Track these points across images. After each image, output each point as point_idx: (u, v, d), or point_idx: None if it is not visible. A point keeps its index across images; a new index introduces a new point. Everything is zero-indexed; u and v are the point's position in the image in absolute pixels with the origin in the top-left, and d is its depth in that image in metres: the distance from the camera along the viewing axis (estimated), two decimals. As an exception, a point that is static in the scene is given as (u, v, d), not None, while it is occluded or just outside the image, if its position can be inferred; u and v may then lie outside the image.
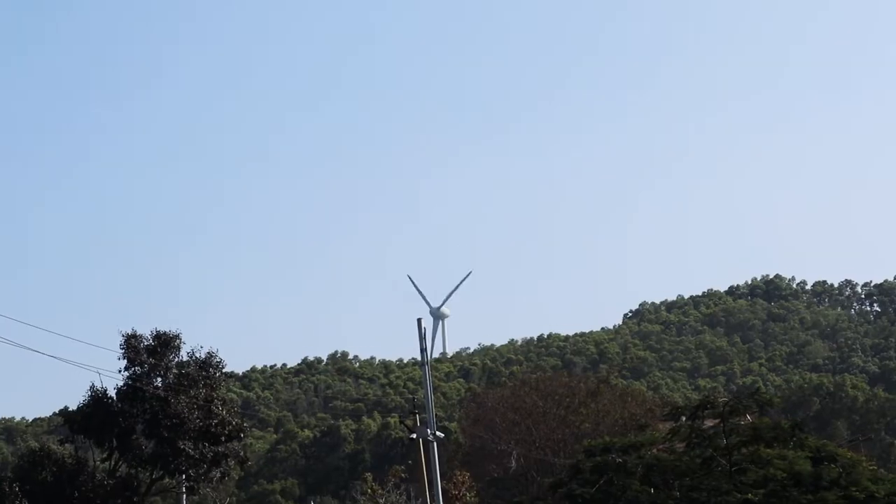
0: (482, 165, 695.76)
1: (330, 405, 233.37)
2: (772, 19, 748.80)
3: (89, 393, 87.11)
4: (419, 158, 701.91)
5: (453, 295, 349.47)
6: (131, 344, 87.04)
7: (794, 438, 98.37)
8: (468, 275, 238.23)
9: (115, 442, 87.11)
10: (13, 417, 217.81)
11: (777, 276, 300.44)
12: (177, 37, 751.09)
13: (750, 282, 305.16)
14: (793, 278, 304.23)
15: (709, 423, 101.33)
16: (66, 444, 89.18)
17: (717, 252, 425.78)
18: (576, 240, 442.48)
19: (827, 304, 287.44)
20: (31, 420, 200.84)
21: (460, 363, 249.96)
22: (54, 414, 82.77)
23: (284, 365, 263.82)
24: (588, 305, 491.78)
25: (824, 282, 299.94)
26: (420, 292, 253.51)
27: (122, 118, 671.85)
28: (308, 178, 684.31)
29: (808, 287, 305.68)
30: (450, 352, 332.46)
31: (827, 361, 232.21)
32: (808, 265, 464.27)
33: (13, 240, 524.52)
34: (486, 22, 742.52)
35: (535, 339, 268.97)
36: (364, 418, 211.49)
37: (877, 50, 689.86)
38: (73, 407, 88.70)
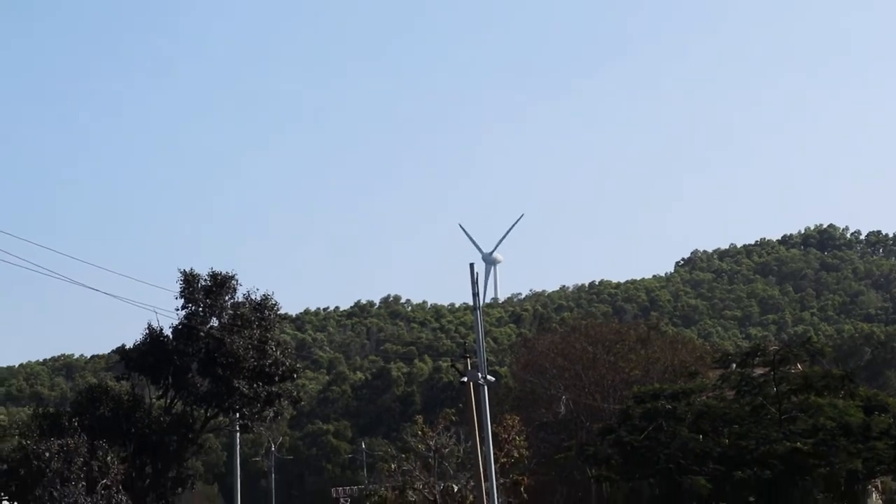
0: (541, 120, 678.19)
1: (381, 348, 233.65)
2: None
3: (146, 331, 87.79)
4: (481, 111, 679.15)
5: (505, 241, 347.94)
6: (188, 283, 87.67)
7: (845, 388, 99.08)
8: (520, 218, 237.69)
9: (170, 380, 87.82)
10: (72, 354, 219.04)
11: (831, 225, 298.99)
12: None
13: (803, 231, 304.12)
14: (846, 228, 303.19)
15: (759, 370, 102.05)
16: (123, 381, 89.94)
17: (771, 201, 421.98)
18: (629, 188, 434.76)
19: (881, 254, 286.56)
20: (89, 357, 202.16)
21: (511, 309, 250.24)
22: (112, 352, 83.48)
23: (337, 308, 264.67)
24: (640, 253, 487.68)
25: (879, 231, 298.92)
26: (472, 240, 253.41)
27: (170, 56, 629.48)
28: (369, 127, 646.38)
29: (862, 237, 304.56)
30: (501, 297, 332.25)
31: (880, 311, 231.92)
32: (862, 215, 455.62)
33: (72, 180, 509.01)
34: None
35: (587, 285, 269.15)
36: (416, 361, 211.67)
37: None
38: (129, 345, 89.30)
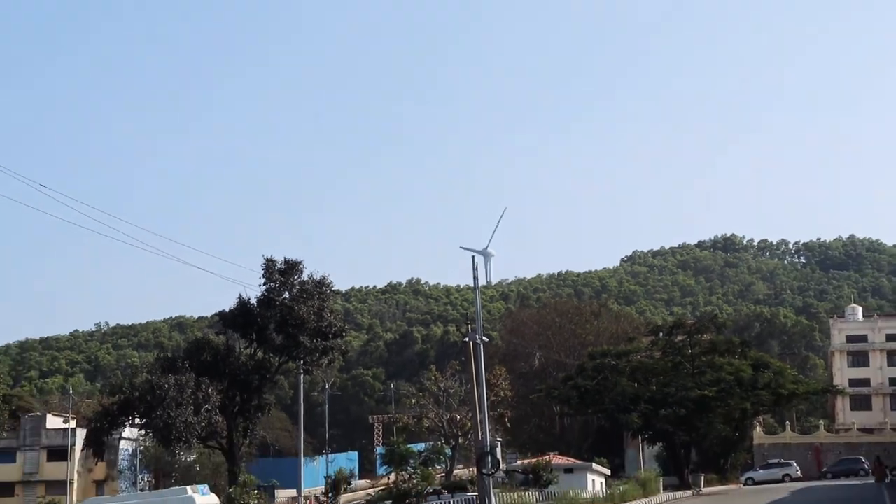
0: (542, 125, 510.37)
1: (406, 316, 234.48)
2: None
3: (238, 300, 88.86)
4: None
5: (497, 236, 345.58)
6: (269, 266, 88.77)
7: (740, 351, 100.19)
8: (504, 211, 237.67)
9: (254, 336, 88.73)
10: (184, 315, 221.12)
11: (733, 234, 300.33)
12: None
13: (712, 238, 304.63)
14: (744, 236, 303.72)
15: (679, 338, 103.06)
16: (221, 336, 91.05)
17: (690, 215, 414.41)
18: (591, 197, 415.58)
19: (767, 256, 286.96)
20: (196, 317, 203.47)
21: (501, 289, 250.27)
22: (213, 314, 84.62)
23: (374, 286, 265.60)
24: (595, 250, 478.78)
25: (766, 240, 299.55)
26: (485, 249, 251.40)
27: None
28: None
29: (755, 243, 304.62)
30: (493, 281, 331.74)
31: (766, 297, 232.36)
32: (755, 226, 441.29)
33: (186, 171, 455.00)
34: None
35: (556, 274, 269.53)
36: (431, 326, 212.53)
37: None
38: (226, 310, 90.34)
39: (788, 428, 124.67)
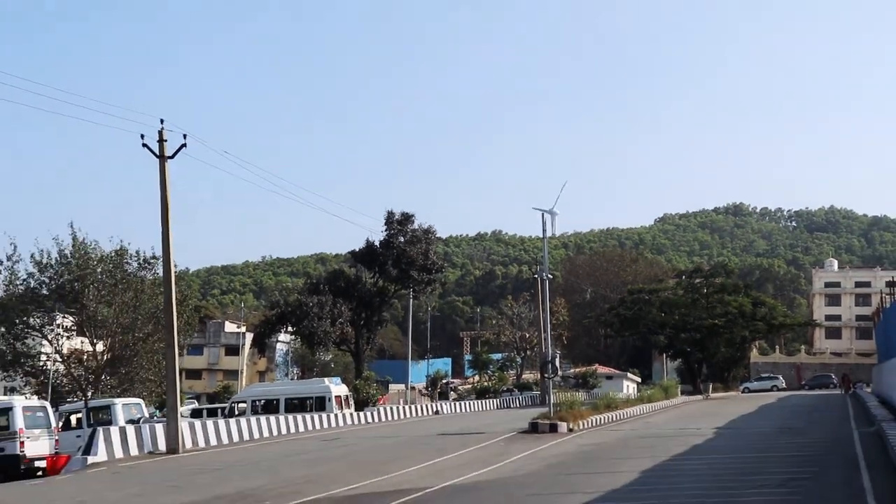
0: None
1: (490, 258, 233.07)
2: None
3: (365, 242, 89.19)
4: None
5: (561, 197, 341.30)
6: (389, 217, 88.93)
7: (743, 292, 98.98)
8: (565, 184, 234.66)
9: (377, 269, 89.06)
10: (325, 251, 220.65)
11: (741, 202, 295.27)
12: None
13: (725, 205, 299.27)
14: (749, 204, 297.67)
15: (697, 280, 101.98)
16: (352, 268, 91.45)
17: (709, 183, 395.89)
18: (625, 167, 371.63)
19: (766, 220, 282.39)
20: (334, 254, 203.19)
21: (562, 240, 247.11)
22: (347, 252, 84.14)
23: (467, 234, 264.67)
24: (634, 211, 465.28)
25: (766, 207, 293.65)
26: (551, 209, 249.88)
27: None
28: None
29: (758, 210, 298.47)
30: (557, 233, 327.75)
31: (764, 251, 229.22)
32: (758, 195, 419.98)
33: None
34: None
35: (605, 229, 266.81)
36: (509, 266, 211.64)
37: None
38: (356, 249, 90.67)
39: (777, 350, 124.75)
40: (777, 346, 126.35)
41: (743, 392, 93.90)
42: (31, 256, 50.50)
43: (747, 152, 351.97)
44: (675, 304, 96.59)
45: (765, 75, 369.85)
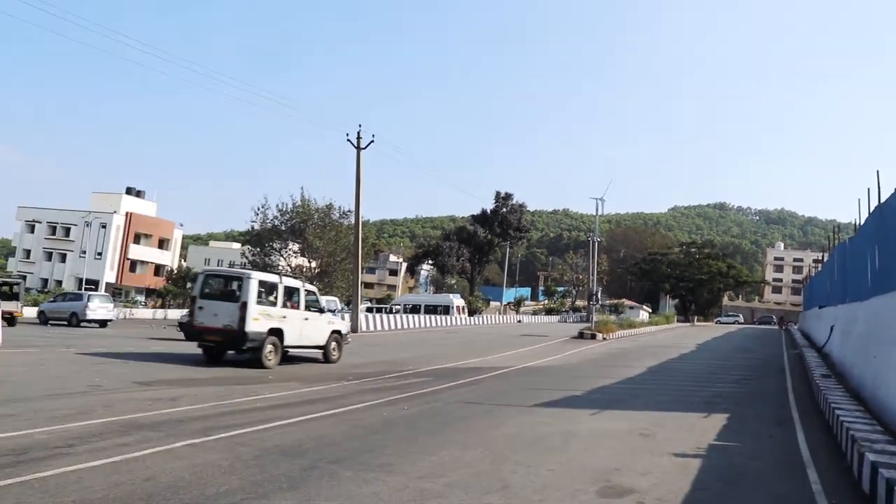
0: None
1: (559, 225, 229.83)
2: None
3: (481, 210, 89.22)
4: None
5: (607, 191, 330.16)
6: (497, 194, 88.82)
7: (721, 259, 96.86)
8: (610, 183, 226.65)
9: (487, 228, 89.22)
10: (455, 214, 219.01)
11: (724, 201, 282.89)
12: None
13: (714, 202, 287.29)
14: (730, 203, 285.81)
15: (692, 249, 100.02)
16: (471, 226, 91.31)
17: (704, 183, 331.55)
18: (650, 166, 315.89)
19: (740, 214, 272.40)
20: (461, 216, 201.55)
21: (607, 217, 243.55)
22: (469, 215, 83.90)
23: (545, 209, 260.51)
24: (655, 201, 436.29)
25: (740, 206, 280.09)
26: (601, 200, 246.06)
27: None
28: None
29: (734, 206, 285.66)
30: (604, 213, 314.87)
31: (736, 235, 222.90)
32: (736, 196, 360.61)
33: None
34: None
35: (634, 213, 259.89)
36: (571, 232, 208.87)
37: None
38: (475, 213, 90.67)
39: (740, 298, 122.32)
40: (740, 296, 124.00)
41: (716, 323, 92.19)
42: (276, 206, 52.12)
43: (734, 162, 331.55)
44: (677, 264, 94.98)
45: (768, 103, 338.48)
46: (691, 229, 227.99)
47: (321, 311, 19.82)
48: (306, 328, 18.94)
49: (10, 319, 29.41)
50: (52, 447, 7.56)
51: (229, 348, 17.77)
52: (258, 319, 17.32)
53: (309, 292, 19.40)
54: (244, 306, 17.09)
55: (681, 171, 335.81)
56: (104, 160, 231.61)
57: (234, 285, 17.90)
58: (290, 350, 18.58)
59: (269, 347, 17.46)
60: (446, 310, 56.27)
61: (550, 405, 12.87)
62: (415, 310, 55.34)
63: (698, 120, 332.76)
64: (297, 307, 18.75)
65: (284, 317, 18.11)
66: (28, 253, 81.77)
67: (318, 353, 19.92)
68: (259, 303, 17.54)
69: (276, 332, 17.74)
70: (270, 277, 18.58)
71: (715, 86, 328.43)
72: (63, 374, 14.10)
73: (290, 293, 18.70)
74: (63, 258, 79.96)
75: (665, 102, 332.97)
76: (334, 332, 20.03)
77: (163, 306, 65.53)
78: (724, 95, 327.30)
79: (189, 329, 18.01)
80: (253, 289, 17.37)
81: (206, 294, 17.93)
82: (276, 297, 18.17)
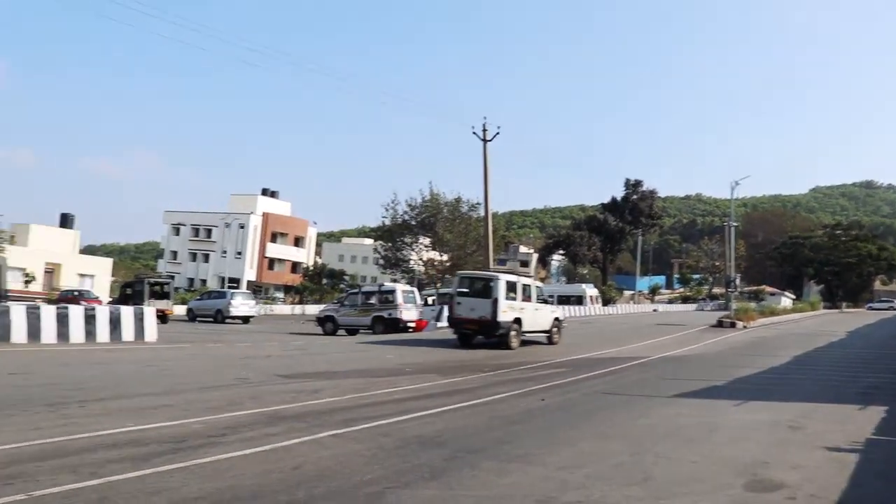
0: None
1: (693, 210, 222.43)
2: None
3: (611, 198, 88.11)
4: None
5: (744, 179, 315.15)
6: (627, 182, 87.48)
7: (871, 240, 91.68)
8: (746, 176, 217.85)
9: (618, 216, 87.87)
10: (585, 203, 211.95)
11: (872, 179, 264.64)
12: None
13: (861, 180, 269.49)
14: (878, 180, 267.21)
15: (838, 231, 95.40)
16: (602, 215, 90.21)
17: (849, 161, 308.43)
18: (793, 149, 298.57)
19: (891, 192, 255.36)
20: (591, 205, 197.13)
21: (743, 201, 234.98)
22: (599, 204, 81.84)
23: (676, 195, 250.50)
24: (793, 182, 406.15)
25: (891, 183, 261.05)
26: (736, 184, 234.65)
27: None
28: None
29: (884, 184, 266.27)
30: (740, 196, 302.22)
31: (887, 215, 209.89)
32: (884, 172, 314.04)
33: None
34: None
35: (772, 195, 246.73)
36: (706, 217, 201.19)
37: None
38: (606, 202, 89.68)
39: (894, 283, 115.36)
40: (894, 280, 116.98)
41: (867, 309, 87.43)
42: (405, 202, 52.92)
43: (882, 136, 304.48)
44: (821, 248, 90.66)
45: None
46: (835, 210, 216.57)
47: (545, 301, 24.17)
48: (537, 316, 23.10)
49: (163, 317, 31.15)
50: (207, 436, 7.96)
51: (484, 335, 21.83)
52: (506, 311, 21.46)
53: (538, 287, 23.77)
54: (496, 302, 21.28)
55: (824, 150, 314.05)
56: (239, 163, 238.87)
57: (485, 285, 21.81)
58: (526, 334, 22.44)
59: (513, 333, 21.73)
60: (579, 300, 55.84)
61: (691, 396, 12.56)
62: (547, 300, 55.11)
63: (841, 95, 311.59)
64: (530, 300, 22.87)
65: (522, 308, 22.28)
66: (175, 254, 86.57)
67: (542, 337, 23.73)
68: (506, 298, 21.62)
69: (518, 321, 21.93)
70: (512, 277, 22.47)
71: (863, 57, 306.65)
72: (213, 368, 14.94)
73: (525, 289, 22.74)
74: (206, 258, 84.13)
75: (802, 77, 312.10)
76: (556, 319, 24.26)
77: (300, 302, 67.89)
78: (871, 65, 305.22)
79: (451, 320, 22.40)
80: (502, 287, 21.56)
81: (461, 292, 22.09)
82: (516, 293, 22.19)
